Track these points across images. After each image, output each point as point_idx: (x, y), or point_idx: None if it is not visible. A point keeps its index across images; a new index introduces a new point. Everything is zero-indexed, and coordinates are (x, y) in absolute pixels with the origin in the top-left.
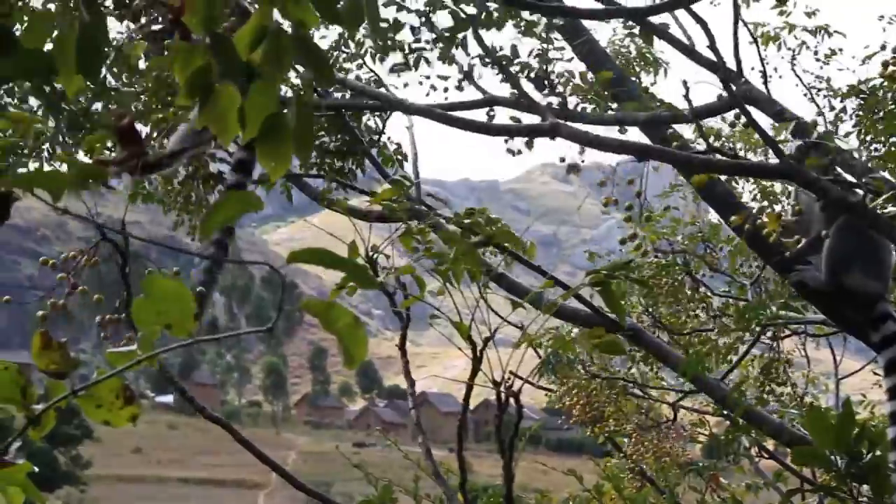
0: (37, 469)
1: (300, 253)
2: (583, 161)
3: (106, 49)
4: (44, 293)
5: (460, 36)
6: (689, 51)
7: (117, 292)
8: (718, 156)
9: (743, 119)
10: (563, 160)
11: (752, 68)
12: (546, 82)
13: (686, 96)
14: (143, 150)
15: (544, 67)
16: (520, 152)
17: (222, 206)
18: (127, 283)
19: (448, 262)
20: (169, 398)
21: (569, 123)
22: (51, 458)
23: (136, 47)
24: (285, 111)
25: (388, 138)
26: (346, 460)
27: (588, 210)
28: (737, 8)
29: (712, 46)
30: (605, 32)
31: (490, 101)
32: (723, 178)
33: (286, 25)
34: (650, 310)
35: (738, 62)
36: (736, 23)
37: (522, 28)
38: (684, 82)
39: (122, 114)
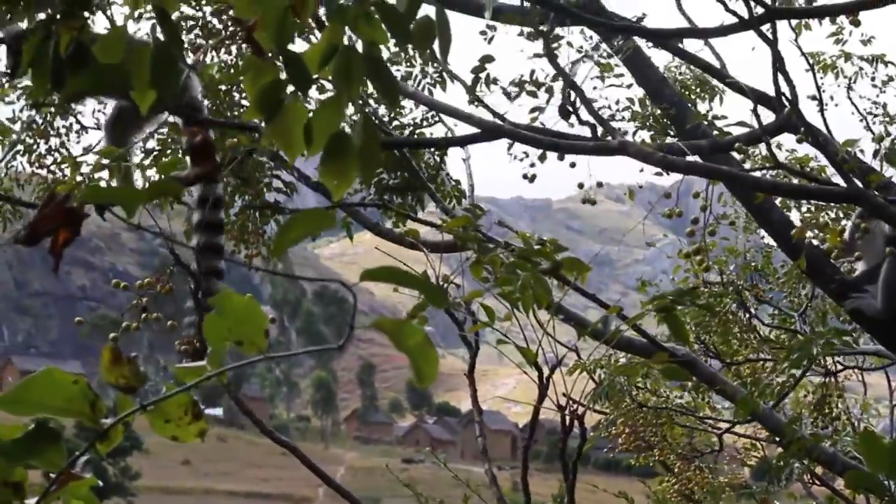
0: (101, 483)
1: (374, 271)
2: (640, 186)
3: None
4: (96, 305)
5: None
6: (721, 76)
7: (175, 304)
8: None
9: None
10: (581, 186)
11: (809, 97)
12: (572, 109)
13: (755, 111)
14: (217, 168)
15: (569, 94)
16: (534, 177)
17: (294, 224)
18: (199, 305)
19: (516, 289)
20: (218, 410)
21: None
22: (100, 469)
23: (209, 66)
24: (351, 130)
25: (447, 174)
26: (395, 477)
27: (640, 230)
28: (774, 31)
29: (781, 69)
30: (661, 58)
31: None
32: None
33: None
34: (702, 338)
35: (777, 86)
36: (776, 47)
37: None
38: (752, 93)
39: (195, 132)
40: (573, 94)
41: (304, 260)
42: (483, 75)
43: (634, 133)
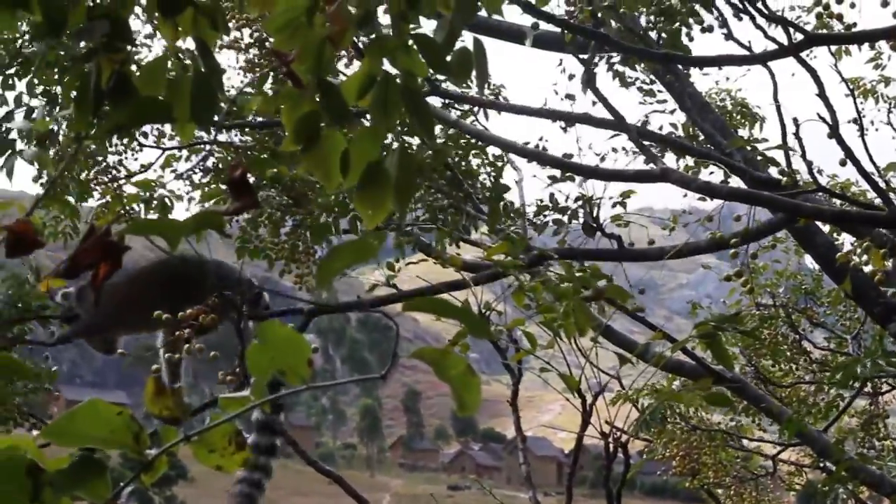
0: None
1: (416, 302)
2: (684, 211)
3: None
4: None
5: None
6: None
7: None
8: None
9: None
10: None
11: (849, 121)
12: (595, 225)
13: (796, 135)
14: (256, 200)
15: (591, 211)
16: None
17: (338, 254)
18: (242, 338)
19: (559, 317)
20: None
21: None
22: (146, 498)
23: (252, 101)
24: (387, 159)
25: (503, 198)
26: None
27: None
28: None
29: (822, 94)
30: (704, 84)
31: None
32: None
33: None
34: (752, 362)
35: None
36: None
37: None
38: (795, 120)
39: (235, 165)
40: (595, 210)
41: (349, 287)
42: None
43: (677, 159)
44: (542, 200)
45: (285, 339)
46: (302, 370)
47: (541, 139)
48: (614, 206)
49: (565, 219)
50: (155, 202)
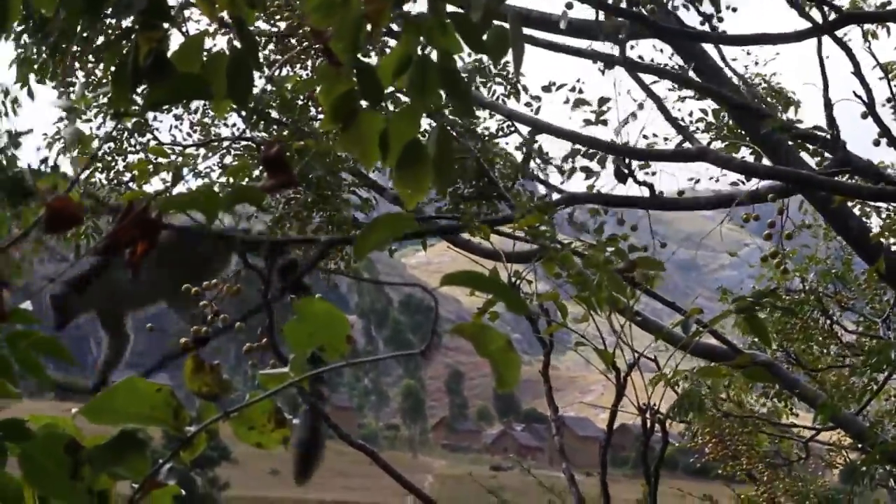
0: (183, 492)
1: (453, 276)
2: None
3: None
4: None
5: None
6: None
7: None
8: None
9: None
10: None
11: (883, 103)
12: (627, 171)
13: (830, 115)
14: (292, 177)
15: (624, 158)
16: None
17: (377, 227)
18: (269, 309)
19: (592, 289)
20: None
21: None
22: (189, 479)
23: (289, 78)
24: (426, 138)
25: (522, 185)
26: (482, 485)
27: (726, 235)
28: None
29: (858, 72)
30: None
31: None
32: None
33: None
34: (784, 345)
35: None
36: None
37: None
38: (829, 100)
39: (270, 142)
40: (627, 158)
41: (391, 269)
42: (535, 147)
43: (709, 143)
44: (573, 146)
45: (324, 314)
46: (340, 346)
47: (578, 80)
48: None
49: (595, 164)
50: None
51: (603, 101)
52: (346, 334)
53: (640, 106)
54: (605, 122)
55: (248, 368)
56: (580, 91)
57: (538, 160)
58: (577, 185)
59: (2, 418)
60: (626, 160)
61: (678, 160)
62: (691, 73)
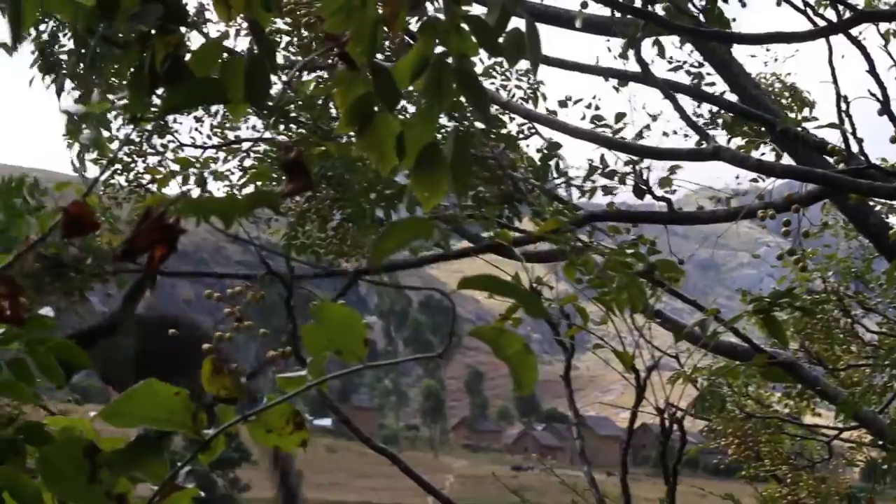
0: (203, 494)
1: (471, 279)
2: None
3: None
4: (210, 318)
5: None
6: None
7: (277, 314)
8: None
9: None
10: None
11: None
12: (645, 187)
13: (847, 112)
14: (310, 181)
15: (642, 174)
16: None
17: (393, 232)
18: (292, 316)
19: (611, 292)
20: (327, 421)
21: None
22: (210, 481)
23: (306, 83)
24: (443, 141)
25: (542, 187)
26: (503, 485)
27: (746, 233)
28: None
29: (872, 71)
30: (753, 67)
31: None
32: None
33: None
34: (805, 345)
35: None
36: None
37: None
38: (844, 98)
39: (289, 146)
40: (646, 173)
41: (412, 270)
42: (553, 163)
43: (728, 141)
44: (591, 161)
45: (341, 318)
46: (358, 349)
47: (594, 97)
48: (662, 182)
49: (615, 182)
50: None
51: (619, 116)
52: (363, 337)
53: (654, 118)
54: (622, 139)
55: (269, 371)
56: (597, 108)
57: (557, 177)
58: (596, 198)
59: (24, 421)
60: (644, 176)
61: (693, 159)
62: (710, 71)
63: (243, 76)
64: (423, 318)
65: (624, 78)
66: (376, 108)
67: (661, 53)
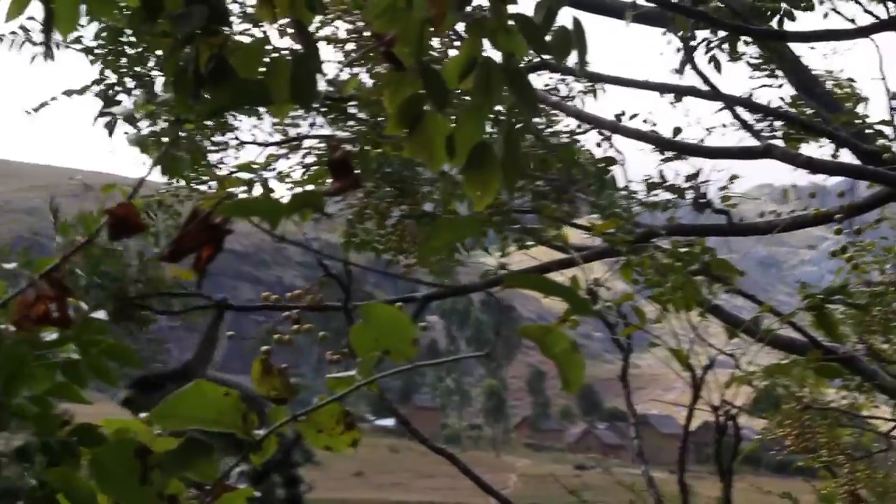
0: (257, 493)
1: (515, 278)
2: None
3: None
4: (264, 319)
5: None
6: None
7: (338, 316)
8: None
9: None
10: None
11: None
12: (704, 201)
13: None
14: (357, 181)
15: (699, 188)
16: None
17: (440, 230)
18: (349, 317)
19: (666, 292)
20: (389, 421)
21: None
22: (294, 479)
23: (351, 81)
24: (493, 140)
25: (604, 179)
26: (567, 483)
27: (807, 231)
28: None
29: None
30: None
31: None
32: None
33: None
34: (863, 339)
35: None
36: None
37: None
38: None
39: (336, 146)
40: (704, 187)
41: (468, 269)
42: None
43: (785, 135)
44: (650, 177)
45: (389, 319)
46: (407, 350)
47: (650, 113)
48: (722, 189)
49: (675, 196)
50: (256, 183)
51: (676, 131)
52: (412, 338)
53: (709, 131)
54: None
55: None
56: (654, 124)
57: (613, 190)
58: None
59: (80, 422)
60: (703, 191)
61: (744, 158)
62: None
63: (288, 76)
64: (484, 317)
65: (678, 92)
66: (425, 108)
67: (718, 68)
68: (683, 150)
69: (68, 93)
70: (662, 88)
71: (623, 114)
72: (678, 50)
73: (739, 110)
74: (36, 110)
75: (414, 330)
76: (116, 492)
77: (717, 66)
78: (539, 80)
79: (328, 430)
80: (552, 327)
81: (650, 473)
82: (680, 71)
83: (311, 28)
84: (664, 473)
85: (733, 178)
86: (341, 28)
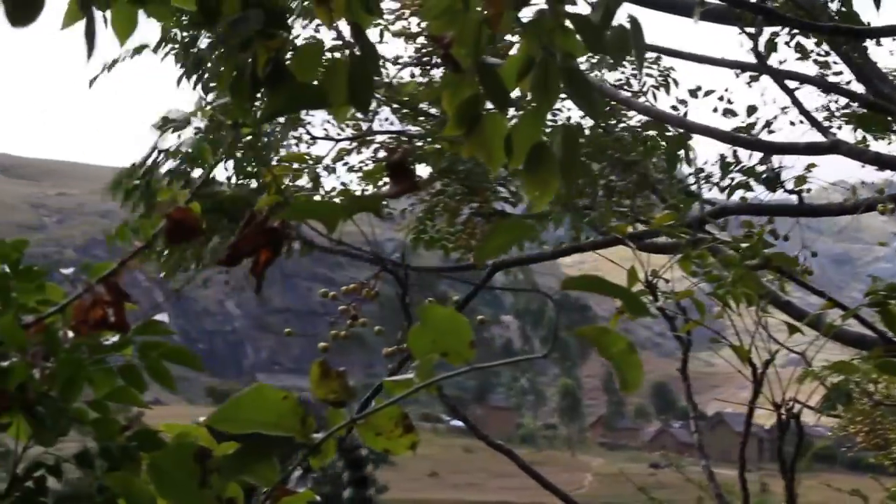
0: (318, 498)
1: (574, 280)
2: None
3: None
4: (332, 319)
5: None
6: None
7: (401, 317)
8: None
9: None
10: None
11: None
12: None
13: None
14: (415, 183)
15: (771, 166)
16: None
17: (497, 232)
18: (407, 313)
19: (726, 286)
20: None
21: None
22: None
23: (409, 84)
24: (551, 140)
25: (675, 177)
26: (641, 482)
27: (881, 227)
28: None
29: None
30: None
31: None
32: None
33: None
34: None
35: None
36: None
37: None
38: None
39: (392, 148)
40: (777, 164)
41: (546, 268)
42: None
43: (855, 130)
44: (724, 156)
45: (447, 320)
46: (465, 352)
47: (725, 90)
48: (798, 181)
49: (749, 180)
50: (306, 175)
51: (751, 110)
52: (469, 339)
53: (784, 110)
54: (750, 131)
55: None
56: (729, 101)
57: (687, 168)
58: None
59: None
60: (777, 171)
61: (811, 153)
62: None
63: (346, 79)
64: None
65: (747, 69)
66: (484, 109)
67: (795, 49)
68: (748, 145)
69: (139, 49)
70: (738, 65)
71: (699, 89)
72: (751, 46)
73: (807, 107)
74: (104, 72)
75: (471, 332)
76: (175, 496)
77: (773, 47)
78: (610, 76)
79: (386, 432)
80: (608, 328)
81: (715, 470)
82: (761, 57)
83: (383, 23)
84: (735, 471)
85: (810, 166)
86: (413, 23)
